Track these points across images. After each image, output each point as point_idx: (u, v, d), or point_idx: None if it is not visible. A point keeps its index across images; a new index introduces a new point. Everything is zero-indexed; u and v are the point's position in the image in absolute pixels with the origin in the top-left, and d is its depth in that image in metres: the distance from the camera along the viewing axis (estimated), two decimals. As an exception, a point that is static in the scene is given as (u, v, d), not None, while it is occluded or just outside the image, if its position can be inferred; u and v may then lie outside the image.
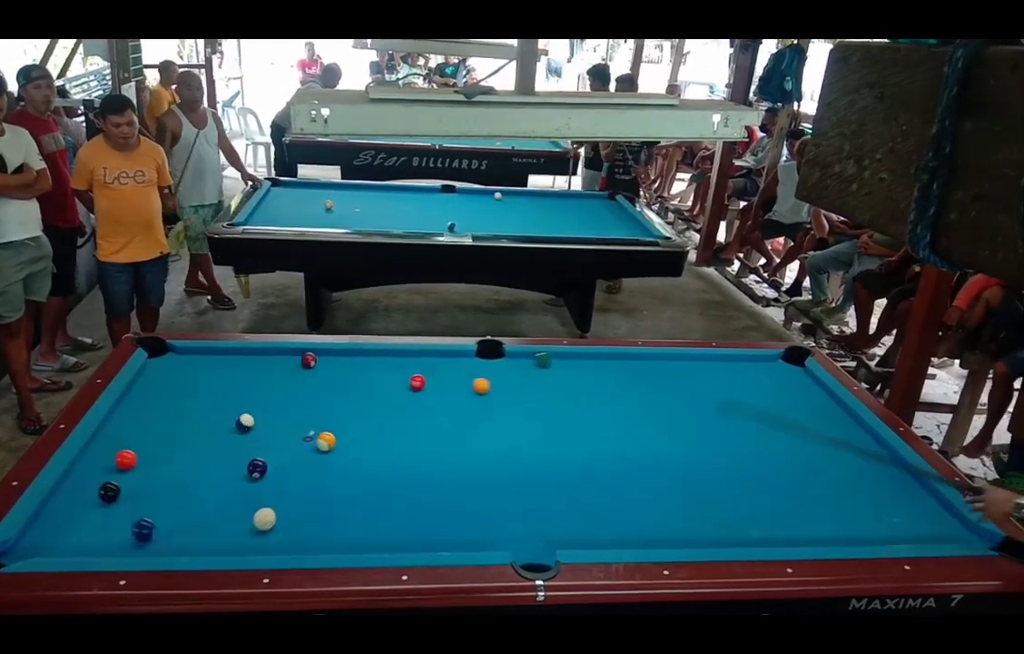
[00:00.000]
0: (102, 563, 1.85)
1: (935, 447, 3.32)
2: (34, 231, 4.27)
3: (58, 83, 7.08)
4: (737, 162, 8.60)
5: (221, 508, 2.18)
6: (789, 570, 1.95)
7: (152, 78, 8.68)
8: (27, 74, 4.65)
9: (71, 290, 5.27)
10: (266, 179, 6.52)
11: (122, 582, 1.78)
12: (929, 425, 4.99)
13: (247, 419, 2.61)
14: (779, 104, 7.58)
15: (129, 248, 4.55)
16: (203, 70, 9.91)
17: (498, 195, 6.59)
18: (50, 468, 2.22)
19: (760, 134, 8.69)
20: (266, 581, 1.82)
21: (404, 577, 1.86)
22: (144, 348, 3.04)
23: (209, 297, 6.24)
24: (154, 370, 2.97)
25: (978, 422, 4.86)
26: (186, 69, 8.32)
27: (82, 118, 6.42)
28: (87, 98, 7.13)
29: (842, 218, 6.44)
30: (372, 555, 1.94)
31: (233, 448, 2.49)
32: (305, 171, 8.02)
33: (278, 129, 8.22)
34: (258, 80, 14.46)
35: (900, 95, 1.26)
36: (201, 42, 11.10)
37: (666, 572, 1.93)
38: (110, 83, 7.28)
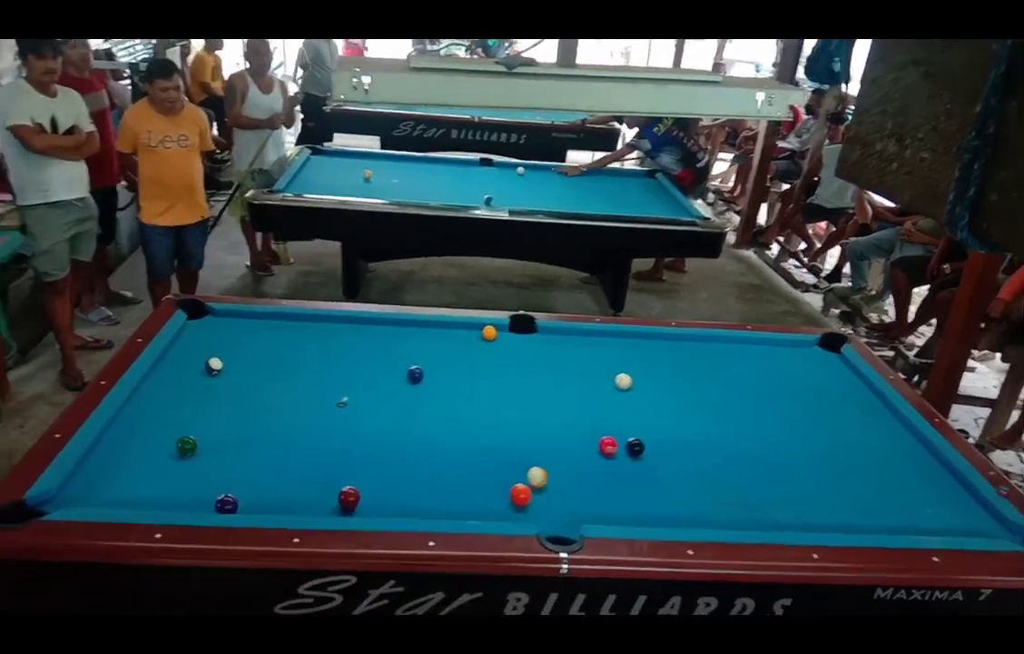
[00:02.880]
0: (139, 516, 1.89)
1: (972, 441, 3.27)
2: (81, 192, 4.37)
3: (104, 47, 7.22)
4: (781, 143, 8.45)
5: (252, 467, 2.23)
6: (815, 555, 1.93)
7: (196, 44, 8.77)
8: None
9: (111, 238, 5.40)
10: (307, 147, 6.57)
11: (158, 535, 1.83)
12: (967, 418, 4.90)
13: (216, 363, 2.71)
14: (826, 85, 7.42)
15: (172, 212, 4.63)
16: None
17: (521, 170, 6.56)
18: (91, 423, 2.27)
19: (805, 116, 8.54)
20: (296, 540, 1.85)
21: (431, 543, 1.88)
22: (184, 310, 3.10)
23: (248, 262, 6.33)
24: (193, 332, 3.03)
25: (1016, 417, 4.77)
26: None
27: (128, 82, 6.52)
28: (133, 62, 7.24)
29: (887, 204, 6.32)
30: (400, 520, 1.96)
31: (264, 409, 2.54)
32: (345, 140, 8.05)
33: (309, 99, 8.24)
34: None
35: (946, 73, 1.23)
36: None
37: (691, 552, 1.92)
38: (155, 47, 7.40)
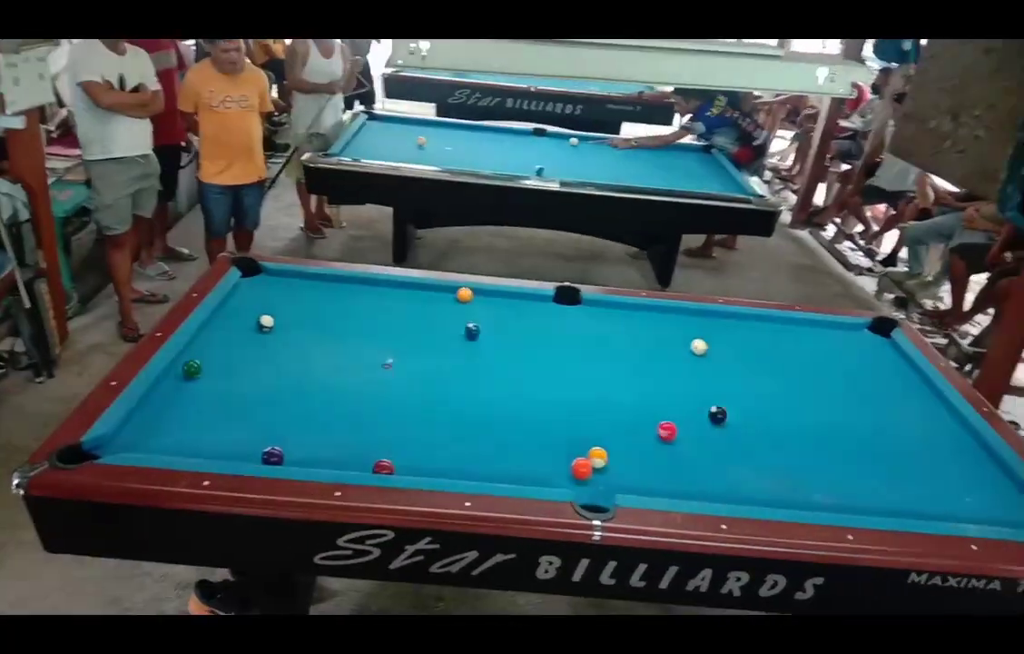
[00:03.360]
0: (188, 463, 1.96)
1: (1022, 433, 3.19)
2: (144, 149, 4.50)
3: (170, 7, 7.35)
4: (843, 122, 8.24)
5: (298, 422, 2.29)
6: (849, 536, 1.92)
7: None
8: None
9: (172, 196, 5.55)
10: (363, 112, 6.62)
11: (206, 482, 1.90)
12: (1019, 411, 4.76)
13: (267, 320, 2.78)
14: (895, 64, 7.20)
15: (230, 171, 4.73)
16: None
17: (574, 140, 6.52)
18: (146, 373, 2.35)
19: (871, 95, 8.30)
20: (338, 494, 1.90)
21: (467, 503, 1.92)
22: (238, 268, 3.17)
23: (301, 225, 6.43)
24: (246, 289, 3.11)
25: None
26: None
27: (192, 42, 6.64)
28: (197, 23, 7.36)
29: (950, 188, 6.14)
30: (438, 479, 2.01)
31: (311, 367, 2.60)
32: (401, 107, 8.08)
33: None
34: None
35: (1009, 51, 1.21)
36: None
37: (724, 526, 1.93)
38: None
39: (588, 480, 2.13)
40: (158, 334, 2.57)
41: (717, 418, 2.49)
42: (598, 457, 2.18)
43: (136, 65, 4.33)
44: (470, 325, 2.89)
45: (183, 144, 5.38)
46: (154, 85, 4.44)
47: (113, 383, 2.26)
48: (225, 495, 1.89)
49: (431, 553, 1.92)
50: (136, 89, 4.32)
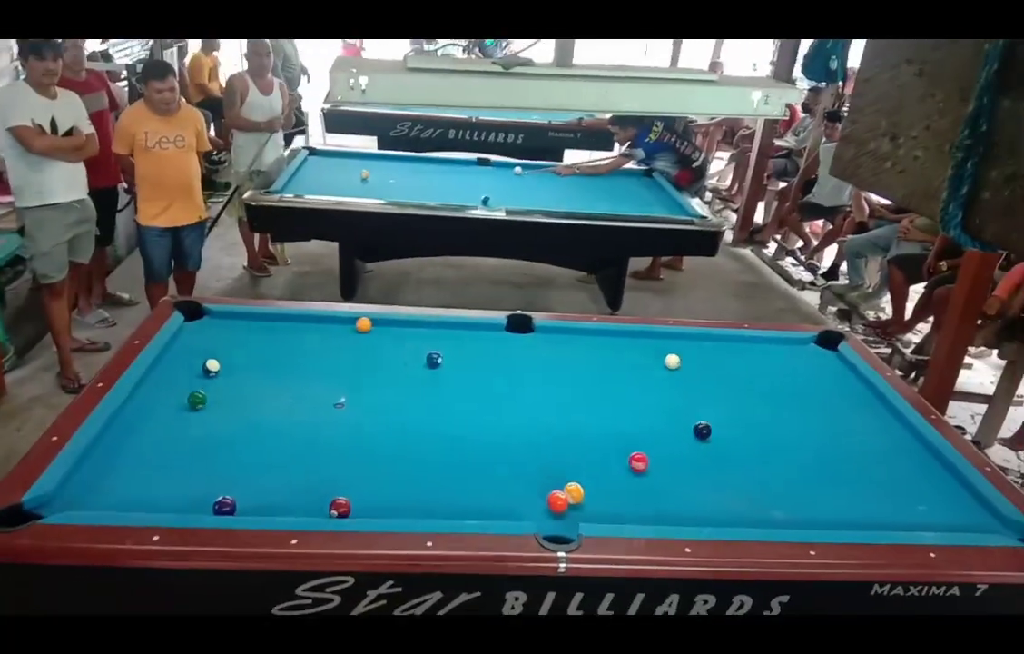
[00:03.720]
0: (136, 518, 1.89)
1: (968, 437, 3.28)
2: (80, 194, 4.38)
3: (101, 48, 7.22)
4: (778, 142, 8.46)
5: (249, 469, 2.22)
6: (812, 552, 1.94)
7: (193, 45, 8.77)
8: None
9: (110, 240, 5.41)
10: (304, 148, 6.56)
11: (155, 537, 1.83)
12: (963, 414, 4.91)
13: (213, 364, 2.71)
14: (823, 83, 7.43)
15: (169, 212, 4.63)
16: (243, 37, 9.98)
17: (518, 169, 6.57)
18: (88, 425, 2.27)
19: (802, 114, 8.55)
20: (294, 542, 1.85)
21: (429, 543, 1.88)
22: (181, 311, 3.10)
23: (245, 264, 6.33)
24: (190, 333, 3.03)
25: (1013, 414, 4.78)
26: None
27: (125, 83, 6.52)
28: (129, 63, 7.24)
29: (883, 202, 6.33)
30: (397, 520, 1.97)
31: (261, 411, 2.54)
32: (342, 141, 8.04)
33: None
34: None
35: (939, 72, 1.24)
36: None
37: (688, 549, 1.93)
38: (152, 49, 7.39)
39: (563, 514, 2.09)
40: (99, 384, 2.49)
41: (702, 433, 2.54)
42: (575, 494, 2.13)
43: (67, 108, 4.22)
44: (432, 353, 2.90)
45: (121, 186, 5.24)
46: (88, 127, 4.33)
47: (54, 438, 2.18)
48: (175, 549, 1.82)
49: (394, 596, 1.87)
50: (69, 132, 4.21)
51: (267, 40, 5.94)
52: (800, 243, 7.86)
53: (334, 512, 2.00)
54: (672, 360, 3.01)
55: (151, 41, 7.56)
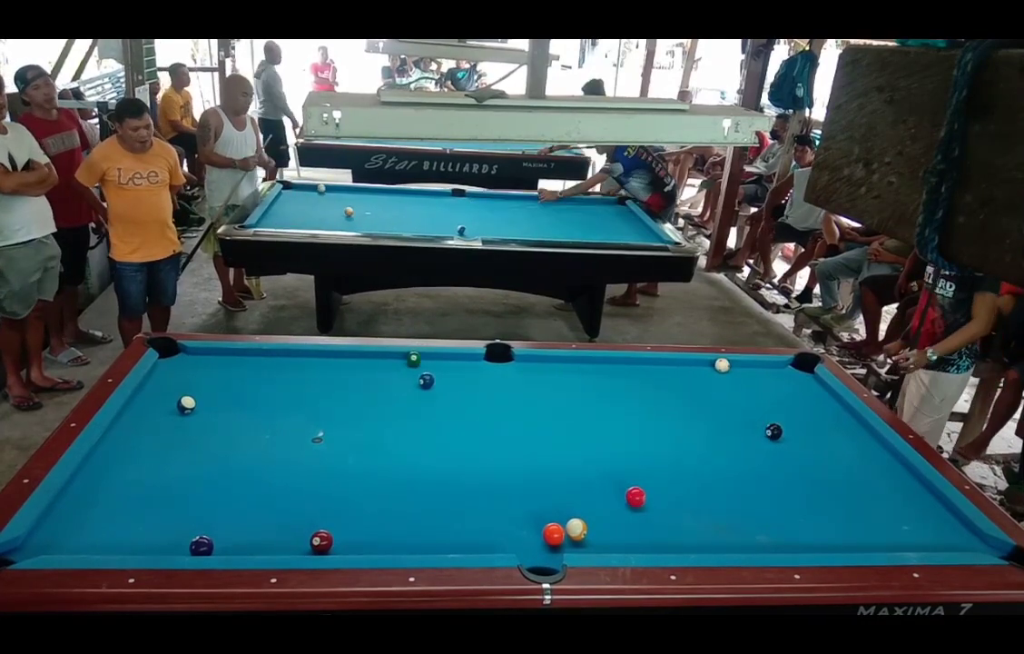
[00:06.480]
0: (111, 561, 1.85)
1: (946, 455, 3.30)
2: (51, 228, 4.34)
3: (73, 86, 7.17)
4: (748, 168, 8.59)
5: (226, 507, 2.19)
6: (797, 576, 1.94)
7: (164, 82, 8.75)
8: (23, 77, 4.68)
9: (81, 279, 5.34)
10: (278, 181, 6.55)
11: (131, 580, 1.79)
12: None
13: (188, 401, 2.68)
14: (790, 110, 7.57)
15: (143, 248, 4.58)
16: (216, 73, 9.97)
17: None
18: (61, 466, 2.22)
19: (771, 140, 8.68)
20: (273, 581, 1.82)
21: (411, 579, 1.86)
22: (155, 348, 3.05)
23: (220, 298, 6.27)
24: (165, 370, 2.98)
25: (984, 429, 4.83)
26: (234, 74, 8.48)
27: (96, 121, 6.47)
28: (101, 100, 7.19)
29: (853, 225, 6.43)
30: (379, 556, 1.94)
31: (237, 447, 2.51)
32: (317, 174, 8.04)
33: (265, 123, 8.27)
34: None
35: (909, 99, 1.26)
36: (215, 44, 11.15)
37: (673, 577, 1.92)
38: (124, 86, 7.35)
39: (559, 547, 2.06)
40: (72, 424, 2.45)
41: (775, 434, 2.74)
42: (577, 530, 2.09)
43: (19, 141, 4.15)
44: (425, 375, 2.98)
45: (92, 226, 5.18)
46: (42, 158, 4.26)
47: (25, 481, 2.13)
48: (152, 592, 1.78)
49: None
50: (27, 165, 4.15)
51: (244, 78, 5.96)
52: (762, 267, 7.95)
53: (316, 540, 1.97)
54: (722, 364, 3.28)
55: (122, 79, 7.53)
